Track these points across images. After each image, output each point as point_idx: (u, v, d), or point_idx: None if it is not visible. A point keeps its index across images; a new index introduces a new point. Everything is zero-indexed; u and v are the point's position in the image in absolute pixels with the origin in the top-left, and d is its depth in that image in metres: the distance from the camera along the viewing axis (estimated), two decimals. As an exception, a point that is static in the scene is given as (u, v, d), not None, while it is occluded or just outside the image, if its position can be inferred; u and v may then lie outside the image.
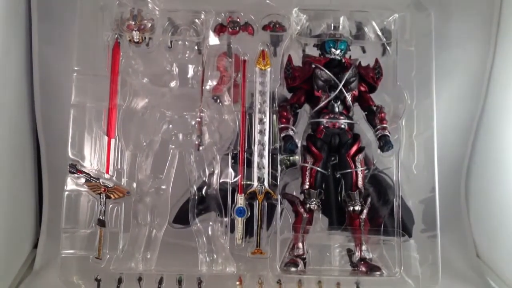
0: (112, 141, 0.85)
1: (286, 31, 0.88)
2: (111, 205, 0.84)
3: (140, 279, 0.82)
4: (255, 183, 0.84)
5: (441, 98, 0.92)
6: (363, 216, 0.83)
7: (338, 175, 0.86)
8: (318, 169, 0.84)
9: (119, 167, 0.86)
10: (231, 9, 0.89)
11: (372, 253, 0.83)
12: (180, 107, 0.87)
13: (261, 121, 0.85)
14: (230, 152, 0.87)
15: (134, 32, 0.85)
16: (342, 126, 0.85)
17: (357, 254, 0.82)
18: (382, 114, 0.86)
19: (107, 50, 0.86)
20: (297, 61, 0.89)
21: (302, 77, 0.87)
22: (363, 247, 0.82)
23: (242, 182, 0.84)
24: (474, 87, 1.03)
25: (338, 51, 0.86)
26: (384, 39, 0.90)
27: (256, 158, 0.84)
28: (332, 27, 0.88)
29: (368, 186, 0.87)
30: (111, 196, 0.83)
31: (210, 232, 0.85)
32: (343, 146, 0.85)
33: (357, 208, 0.82)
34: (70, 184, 0.83)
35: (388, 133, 0.85)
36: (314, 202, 0.82)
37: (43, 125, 0.97)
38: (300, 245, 0.83)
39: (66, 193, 0.83)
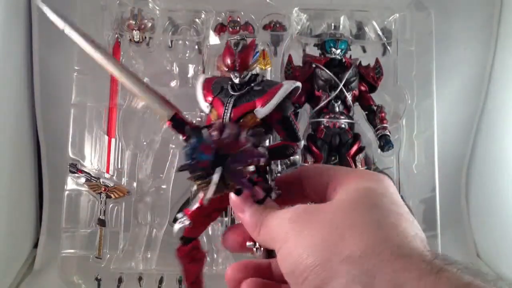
0: (113, 140, 0.85)
1: (286, 30, 0.88)
2: (111, 205, 0.84)
3: (140, 279, 0.82)
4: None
5: (441, 98, 0.92)
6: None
7: (338, 175, 0.86)
8: (323, 166, 0.84)
9: (119, 166, 0.86)
10: (232, 9, 0.89)
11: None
12: (180, 107, 0.86)
13: (261, 121, 0.85)
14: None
15: (134, 31, 0.85)
16: (343, 125, 0.85)
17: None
18: (383, 114, 0.86)
19: (107, 49, 0.86)
20: (298, 61, 0.89)
21: (302, 76, 0.87)
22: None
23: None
24: (474, 86, 1.02)
25: (338, 51, 0.86)
26: (385, 39, 0.90)
27: (256, 158, 0.84)
28: (333, 27, 0.89)
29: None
30: (112, 195, 0.83)
31: (210, 232, 0.85)
32: (343, 145, 0.85)
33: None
34: (71, 183, 0.83)
35: (388, 133, 0.85)
36: None
37: (43, 125, 0.96)
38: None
39: (67, 192, 0.83)
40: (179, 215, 0.45)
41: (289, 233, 0.31)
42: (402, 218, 0.31)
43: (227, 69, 0.43)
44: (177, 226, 0.45)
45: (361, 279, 0.27)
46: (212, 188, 0.34)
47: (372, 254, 0.28)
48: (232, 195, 0.37)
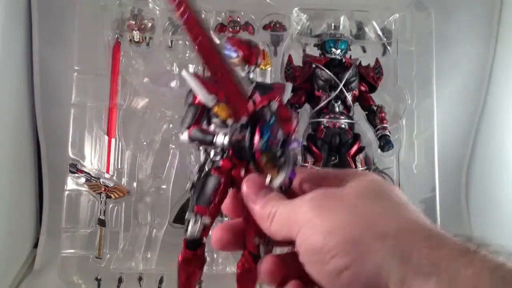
0: (113, 140, 0.85)
1: (286, 30, 0.88)
2: (111, 205, 0.84)
3: (140, 279, 0.82)
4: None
5: (441, 98, 0.92)
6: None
7: (338, 175, 0.86)
8: (319, 169, 0.84)
9: (119, 166, 0.86)
10: (232, 9, 0.89)
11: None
12: (181, 107, 0.86)
13: (261, 121, 0.85)
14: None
15: (134, 31, 0.85)
16: (343, 126, 0.85)
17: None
18: (383, 114, 0.86)
19: (108, 49, 0.86)
20: (298, 61, 0.89)
21: (302, 77, 0.87)
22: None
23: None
24: (474, 87, 1.03)
25: (338, 51, 0.86)
26: (385, 39, 0.90)
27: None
28: (333, 27, 0.89)
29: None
30: (112, 195, 0.83)
31: (210, 232, 0.85)
32: (343, 145, 0.85)
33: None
34: (71, 183, 0.83)
35: (388, 133, 0.85)
36: None
37: (43, 125, 0.96)
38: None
39: (67, 192, 0.83)
40: (190, 215, 0.42)
41: (312, 213, 0.31)
42: (414, 207, 0.32)
43: (247, 64, 0.44)
44: (195, 228, 0.41)
45: (398, 254, 0.27)
46: (289, 168, 0.34)
47: (407, 231, 0.28)
48: (244, 186, 0.36)
